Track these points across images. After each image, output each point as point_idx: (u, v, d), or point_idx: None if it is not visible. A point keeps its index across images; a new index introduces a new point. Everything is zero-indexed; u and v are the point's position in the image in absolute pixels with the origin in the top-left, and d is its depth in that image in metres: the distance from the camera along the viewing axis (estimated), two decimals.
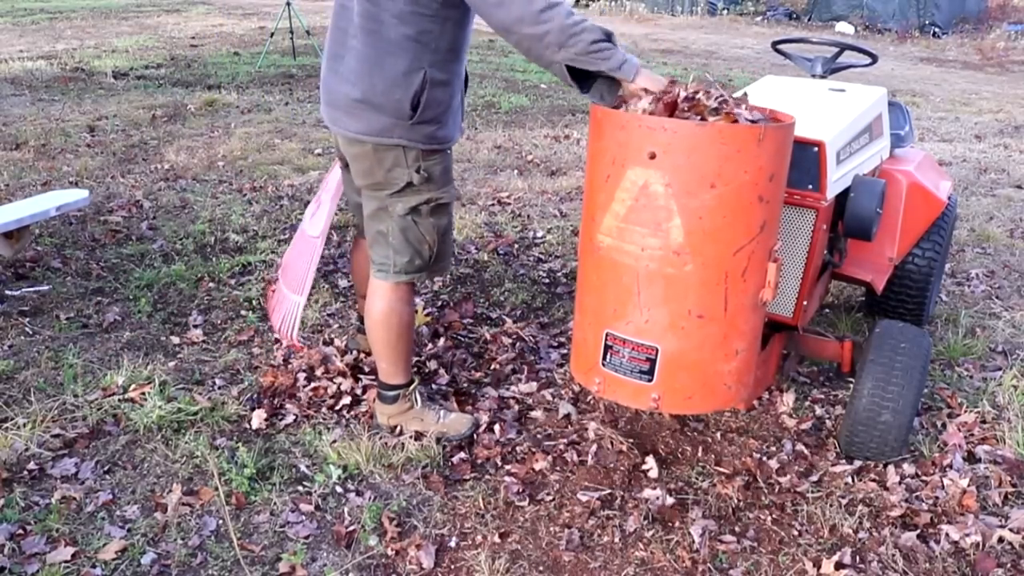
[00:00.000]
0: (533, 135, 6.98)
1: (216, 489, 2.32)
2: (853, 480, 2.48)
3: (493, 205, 5.03)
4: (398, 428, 2.58)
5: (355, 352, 2.97)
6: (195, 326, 3.30)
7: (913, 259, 3.12)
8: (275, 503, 2.31)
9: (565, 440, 2.64)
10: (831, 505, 2.37)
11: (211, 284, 3.71)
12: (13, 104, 7.18)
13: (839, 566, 2.13)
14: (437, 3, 2.15)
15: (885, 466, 2.52)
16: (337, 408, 2.73)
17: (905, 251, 3.00)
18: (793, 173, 2.36)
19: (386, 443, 2.54)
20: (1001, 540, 2.25)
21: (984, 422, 2.80)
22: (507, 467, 2.51)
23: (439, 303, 3.61)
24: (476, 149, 6.37)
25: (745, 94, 2.18)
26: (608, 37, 2.07)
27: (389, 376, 2.53)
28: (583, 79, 2.14)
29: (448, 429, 2.57)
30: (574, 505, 2.36)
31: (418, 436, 2.55)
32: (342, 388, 2.79)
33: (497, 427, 2.65)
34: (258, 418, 2.64)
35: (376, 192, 2.34)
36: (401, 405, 2.56)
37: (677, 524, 2.29)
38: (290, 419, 2.67)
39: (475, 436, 2.61)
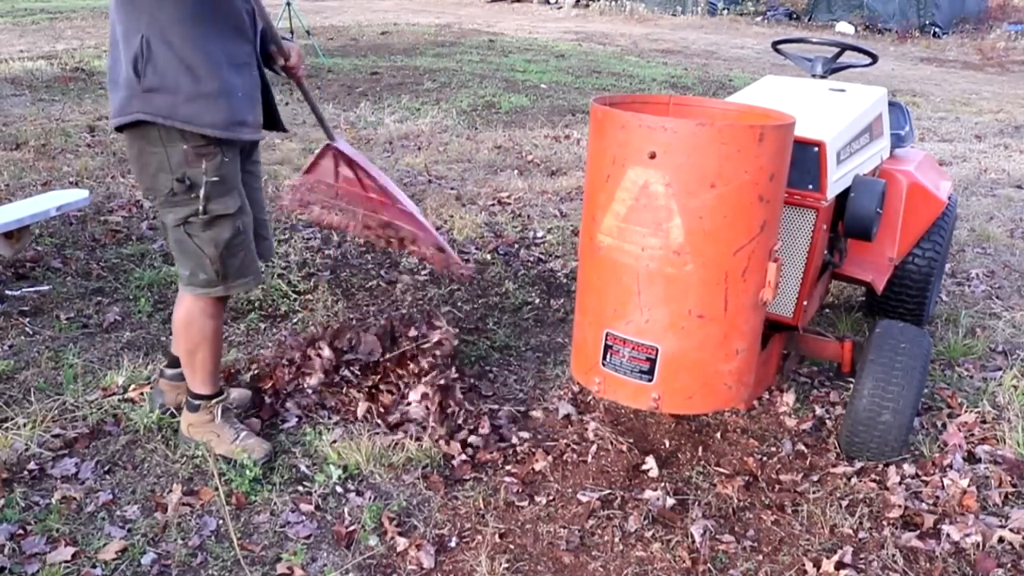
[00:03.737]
0: (533, 135, 6.97)
1: (216, 489, 2.32)
2: (853, 480, 2.48)
3: (493, 205, 5.03)
4: (196, 439, 2.48)
5: (159, 404, 2.64)
6: None
7: (913, 259, 3.12)
8: (275, 503, 2.31)
9: (565, 440, 2.64)
10: (831, 505, 2.37)
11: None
12: (13, 104, 7.18)
13: (839, 566, 2.13)
14: None
15: (885, 466, 2.52)
16: (337, 408, 2.73)
17: (905, 251, 3.00)
18: (793, 173, 2.36)
19: (386, 443, 2.54)
20: (1001, 540, 2.25)
21: (984, 422, 2.80)
22: (507, 467, 2.51)
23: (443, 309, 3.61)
24: (476, 149, 6.37)
25: None
26: None
27: (193, 384, 2.44)
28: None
29: (245, 451, 2.44)
30: (574, 505, 2.36)
31: (225, 457, 2.45)
32: (343, 388, 2.79)
33: (488, 428, 2.66)
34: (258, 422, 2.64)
35: (151, 200, 2.23)
36: (203, 415, 2.47)
37: (677, 524, 2.29)
38: (290, 420, 2.67)
39: (475, 437, 2.61)
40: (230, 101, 2.14)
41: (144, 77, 2.06)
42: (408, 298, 3.65)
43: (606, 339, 2.16)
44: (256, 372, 2.91)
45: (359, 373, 2.84)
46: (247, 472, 2.37)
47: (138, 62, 2.05)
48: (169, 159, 2.13)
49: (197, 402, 2.47)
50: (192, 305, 2.34)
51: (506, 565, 2.12)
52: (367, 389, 2.81)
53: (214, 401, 2.47)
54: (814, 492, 2.44)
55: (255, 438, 2.51)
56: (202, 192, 2.15)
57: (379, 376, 2.85)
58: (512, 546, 2.20)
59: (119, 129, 2.16)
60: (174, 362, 2.57)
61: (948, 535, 2.25)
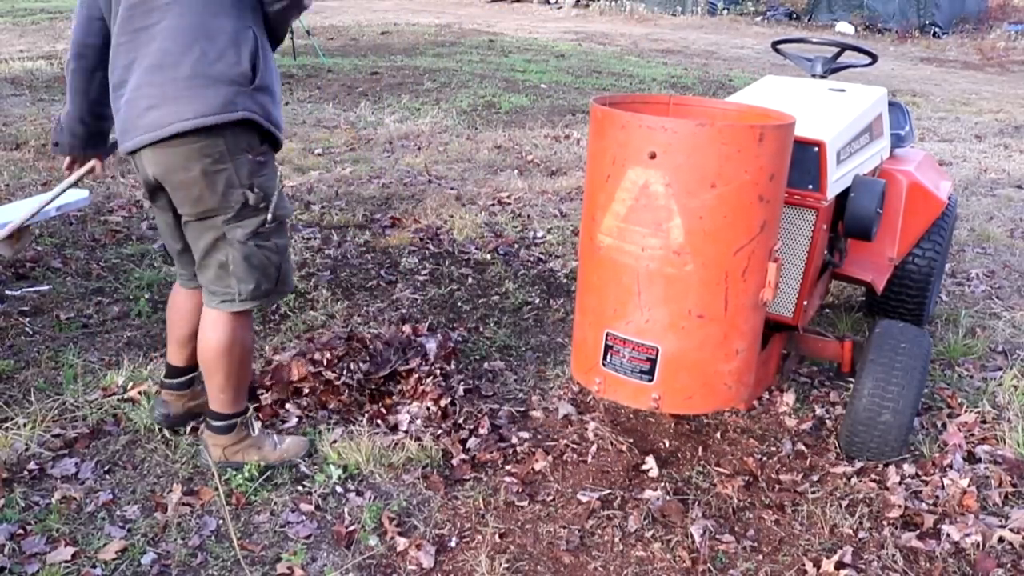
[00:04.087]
0: (533, 135, 6.97)
1: (216, 489, 2.32)
2: (853, 480, 2.48)
3: (493, 205, 5.03)
4: (236, 461, 2.40)
5: (161, 415, 2.55)
6: None
7: (913, 259, 3.12)
8: (275, 503, 2.31)
9: (565, 440, 2.64)
10: (831, 505, 2.37)
11: None
12: (13, 104, 7.18)
13: (839, 566, 2.13)
14: None
15: (885, 466, 2.52)
16: (337, 408, 2.73)
17: (905, 251, 3.00)
18: (793, 173, 2.36)
19: (386, 443, 2.54)
20: (1001, 540, 2.25)
21: (984, 422, 2.80)
22: (507, 467, 2.51)
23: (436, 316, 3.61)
24: (476, 149, 6.37)
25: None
26: None
27: (227, 406, 2.34)
28: None
29: (287, 455, 2.44)
30: (574, 505, 2.36)
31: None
32: (343, 388, 2.79)
33: (488, 428, 2.66)
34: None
35: (210, 220, 2.11)
36: (237, 434, 2.38)
37: (677, 524, 2.29)
38: (290, 420, 2.67)
39: (474, 437, 2.61)
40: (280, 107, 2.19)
41: (258, 75, 2.02)
42: (407, 298, 3.65)
43: (606, 339, 2.16)
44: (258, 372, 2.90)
45: (361, 379, 2.84)
46: (247, 472, 2.37)
47: (256, 59, 2.01)
48: (238, 172, 2.06)
49: (227, 423, 2.36)
50: (235, 324, 2.22)
51: (506, 565, 2.12)
52: (368, 392, 2.81)
53: (247, 416, 2.42)
54: (814, 492, 2.44)
55: (289, 438, 2.51)
56: (274, 199, 2.14)
57: (381, 379, 2.85)
58: (512, 546, 2.20)
59: (187, 134, 1.98)
60: (173, 372, 2.50)
61: (948, 535, 2.25)
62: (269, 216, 2.14)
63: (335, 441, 2.55)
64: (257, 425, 2.46)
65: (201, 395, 2.51)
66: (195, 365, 2.46)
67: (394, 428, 2.63)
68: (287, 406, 2.72)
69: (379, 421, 2.67)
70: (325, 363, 2.83)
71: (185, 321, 2.43)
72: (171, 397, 2.55)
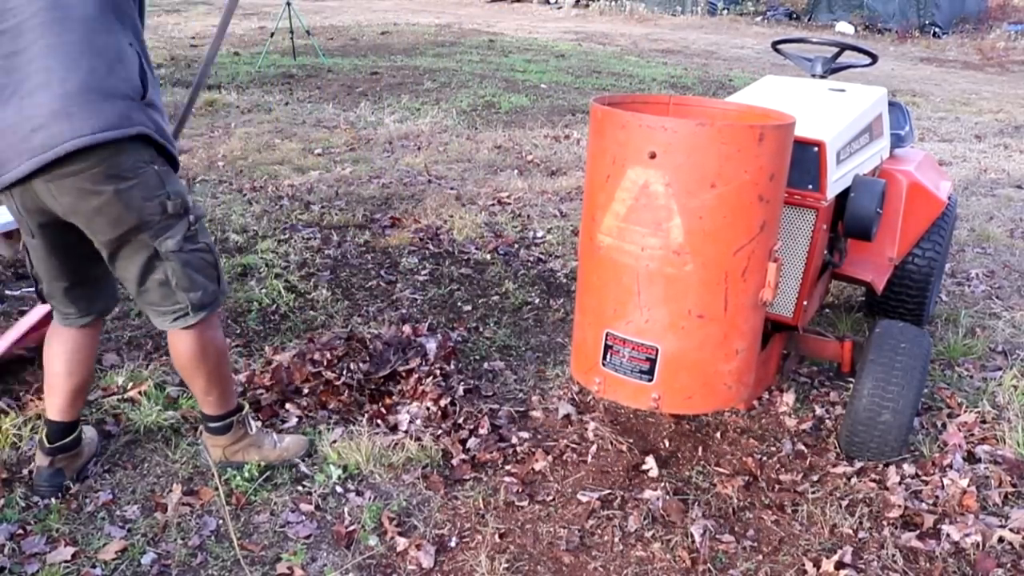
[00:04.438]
0: (533, 135, 6.97)
1: (216, 489, 2.32)
2: (853, 480, 2.48)
3: (493, 205, 5.03)
4: (237, 461, 2.39)
5: (56, 486, 2.29)
6: None
7: (913, 259, 3.12)
8: (275, 503, 2.31)
9: (565, 440, 2.64)
10: (831, 505, 2.37)
11: None
12: None
13: (839, 566, 2.13)
14: None
15: (885, 466, 2.52)
16: (337, 408, 2.73)
17: (905, 251, 3.00)
18: (793, 173, 2.36)
19: (386, 443, 2.54)
20: (1001, 540, 2.25)
21: (984, 422, 2.80)
22: (507, 467, 2.51)
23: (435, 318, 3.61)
24: (476, 149, 6.37)
25: None
26: None
27: (217, 407, 2.32)
28: None
29: (288, 453, 2.44)
30: (574, 505, 2.36)
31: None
32: (343, 388, 2.79)
33: (488, 428, 2.65)
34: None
35: (137, 240, 1.99)
36: (235, 433, 2.36)
37: (677, 524, 2.29)
38: (290, 420, 2.67)
39: (474, 437, 2.61)
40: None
41: (147, 91, 1.95)
42: (407, 298, 3.65)
43: (606, 339, 2.16)
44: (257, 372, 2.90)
45: (361, 379, 2.84)
46: (247, 472, 2.37)
47: (144, 74, 1.95)
48: (148, 184, 1.96)
49: (223, 423, 2.36)
50: (200, 330, 2.16)
51: (506, 565, 2.12)
52: (368, 392, 2.81)
53: (243, 413, 2.42)
54: (814, 492, 2.44)
55: (289, 436, 2.50)
56: (189, 200, 2.06)
57: (381, 379, 2.85)
58: (512, 546, 2.20)
59: (87, 153, 1.85)
60: (62, 430, 2.29)
61: (948, 535, 2.25)
62: (191, 218, 2.06)
63: (335, 441, 2.55)
64: (255, 424, 2.46)
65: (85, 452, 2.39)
66: (76, 421, 2.30)
67: (394, 428, 2.63)
68: (287, 406, 2.72)
69: (379, 421, 2.67)
70: (325, 363, 2.84)
71: (77, 366, 2.23)
72: (65, 461, 2.30)
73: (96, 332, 2.29)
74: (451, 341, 3.16)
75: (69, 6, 1.86)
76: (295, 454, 2.46)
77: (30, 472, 2.36)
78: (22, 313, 3.31)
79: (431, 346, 2.97)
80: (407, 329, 3.16)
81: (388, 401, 2.78)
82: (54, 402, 2.26)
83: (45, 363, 2.25)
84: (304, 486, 2.38)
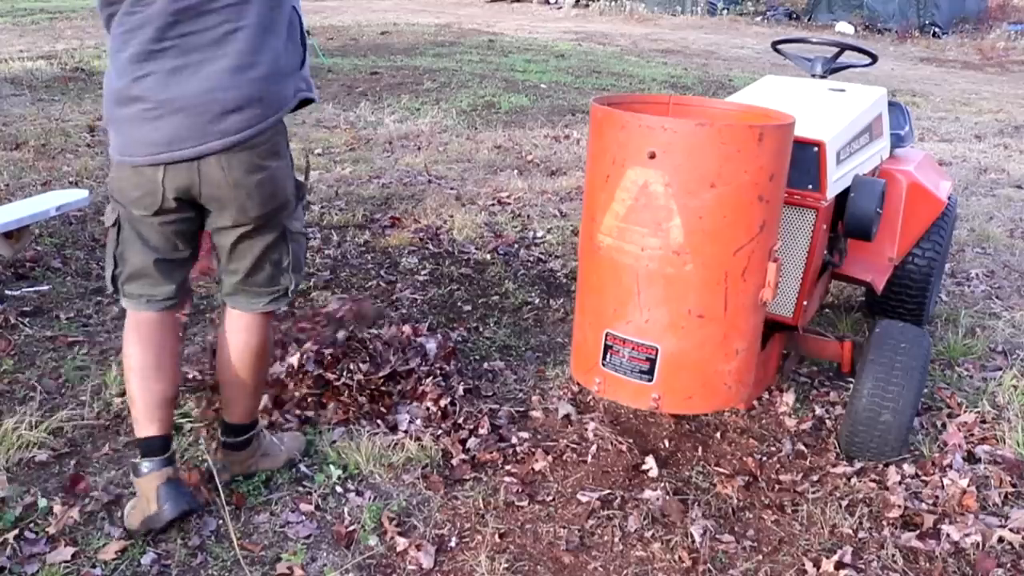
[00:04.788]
0: (533, 135, 6.97)
1: (216, 489, 2.31)
2: (853, 480, 2.48)
3: (493, 205, 5.03)
4: (251, 471, 2.37)
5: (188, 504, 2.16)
6: (196, 326, 3.30)
7: (913, 259, 3.12)
8: (275, 503, 2.31)
9: (565, 440, 2.64)
10: (831, 505, 2.37)
11: (211, 284, 3.71)
12: (13, 104, 7.18)
13: (839, 566, 2.13)
14: None
15: (885, 466, 2.52)
16: (337, 408, 2.73)
17: (905, 251, 3.00)
18: (793, 173, 2.36)
19: (386, 443, 2.54)
20: (1001, 540, 2.25)
21: (984, 422, 2.80)
22: (507, 467, 2.51)
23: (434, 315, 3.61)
24: (476, 149, 6.37)
25: None
26: None
27: (250, 415, 2.29)
28: None
29: (292, 453, 2.44)
30: (574, 505, 2.36)
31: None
32: (343, 388, 2.79)
33: (488, 428, 2.65)
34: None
35: (276, 219, 2.06)
36: (253, 447, 2.34)
37: (677, 524, 2.29)
38: (290, 420, 2.67)
39: (475, 436, 2.61)
40: None
41: (306, 52, 2.04)
42: (407, 298, 3.65)
43: (606, 339, 2.16)
44: None
45: (362, 379, 2.84)
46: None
47: (303, 38, 2.03)
48: (291, 163, 2.07)
49: (248, 435, 2.31)
50: (267, 324, 2.20)
51: (506, 565, 2.12)
52: (368, 392, 2.80)
53: (260, 426, 2.40)
54: (814, 492, 2.44)
55: (287, 436, 2.50)
56: (307, 180, 2.12)
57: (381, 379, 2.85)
58: (512, 546, 2.20)
59: (263, 132, 1.94)
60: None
61: (948, 535, 2.25)
62: (305, 201, 2.13)
63: (335, 441, 2.55)
64: (263, 434, 2.42)
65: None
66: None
67: (394, 428, 2.63)
68: (287, 407, 2.72)
69: (379, 421, 2.67)
70: (325, 363, 2.83)
71: (174, 352, 2.21)
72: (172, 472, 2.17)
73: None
74: (451, 341, 3.16)
75: None
76: (295, 452, 2.47)
77: (30, 472, 2.36)
78: (22, 313, 3.31)
79: (431, 346, 2.97)
80: (407, 329, 3.16)
81: (388, 401, 2.78)
82: (154, 413, 2.13)
83: (135, 368, 2.12)
84: (304, 486, 2.38)
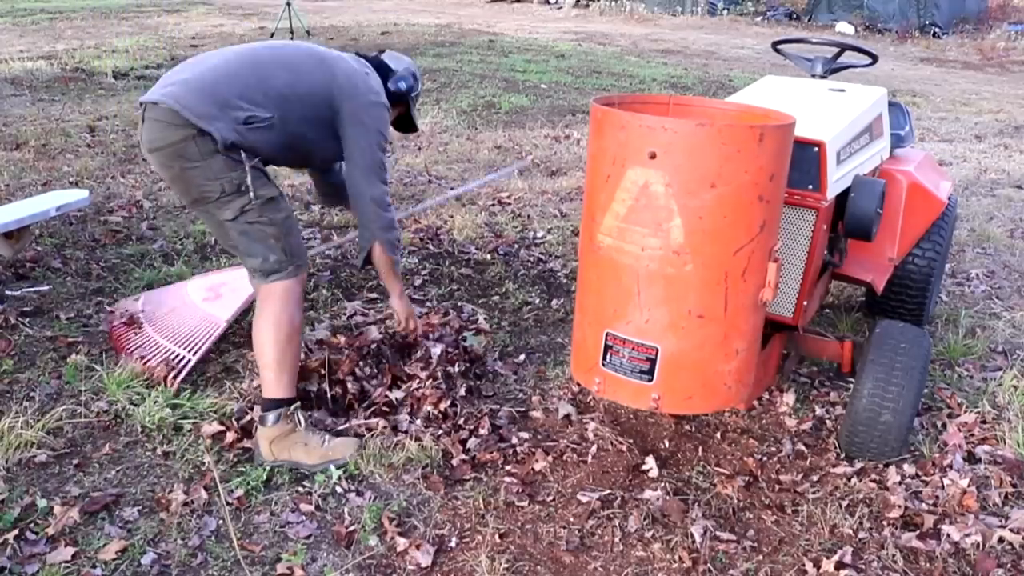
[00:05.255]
0: (533, 135, 6.97)
1: (216, 489, 2.32)
2: (853, 480, 2.48)
3: (493, 205, 5.03)
4: (284, 459, 2.42)
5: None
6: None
7: (913, 259, 3.12)
8: (275, 503, 2.31)
9: (565, 440, 2.64)
10: (831, 505, 2.37)
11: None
12: (13, 104, 7.18)
13: (839, 566, 2.13)
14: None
15: (885, 466, 2.52)
16: (338, 408, 2.73)
17: (905, 251, 3.00)
18: (793, 173, 2.36)
19: (386, 443, 2.53)
20: (1001, 540, 2.25)
21: (984, 422, 2.80)
22: (507, 467, 2.51)
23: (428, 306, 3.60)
24: (476, 149, 6.37)
25: None
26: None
27: (273, 388, 2.43)
28: (366, 261, 2.63)
29: (337, 454, 2.45)
30: (574, 505, 2.36)
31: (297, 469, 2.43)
32: (343, 389, 2.79)
33: (488, 429, 2.65)
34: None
35: (204, 206, 2.40)
36: (283, 426, 2.42)
37: (677, 524, 2.29)
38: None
39: (475, 436, 2.61)
40: None
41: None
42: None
43: (606, 339, 2.16)
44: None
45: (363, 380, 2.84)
46: (247, 470, 2.37)
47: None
48: (212, 168, 2.30)
49: (276, 411, 2.42)
50: (281, 298, 2.40)
51: (506, 565, 2.12)
52: (369, 392, 2.80)
53: (293, 407, 2.46)
54: (814, 492, 2.44)
55: (338, 437, 2.51)
56: (248, 182, 2.33)
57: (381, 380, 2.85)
58: (512, 546, 2.20)
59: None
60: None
61: (948, 535, 2.25)
62: (252, 195, 2.33)
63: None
64: (303, 419, 2.47)
65: None
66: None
67: (394, 428, 2.63)
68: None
69: (379, 421, 2.66)
70: (325, 364, 2.83)
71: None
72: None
73: None
74: (460, 344, 3.15)
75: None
76: (343, 455, 2.46)
77: (30, 472, 2.36)
78: (22, 313, 3.31)
79: (436, 351, 2.96)
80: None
81: (389, 401, 2.78)
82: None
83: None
84: (304, 486, 2.38)
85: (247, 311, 3.06)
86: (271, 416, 2.42)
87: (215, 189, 2.30)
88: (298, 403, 2.49)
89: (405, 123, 2.83)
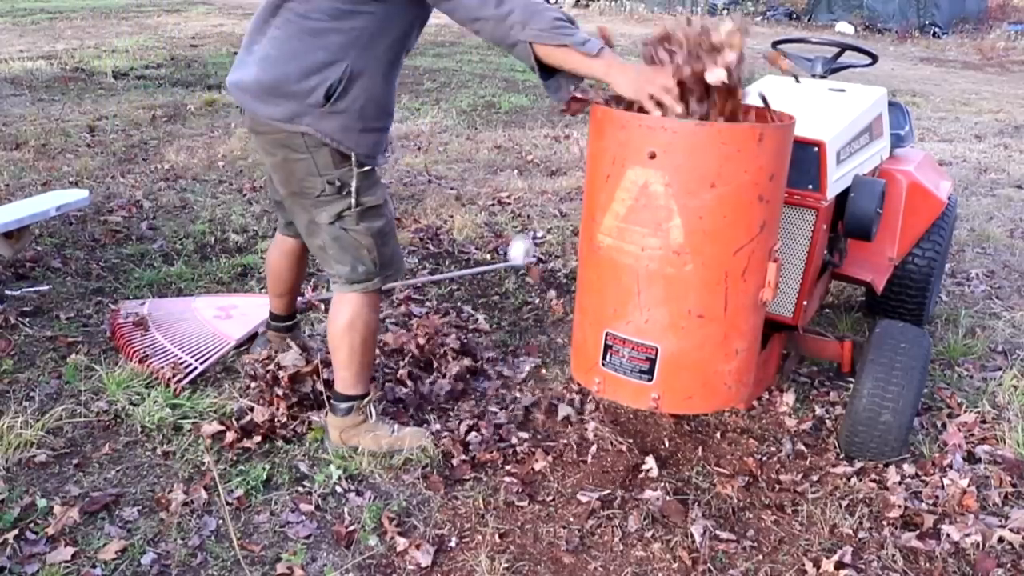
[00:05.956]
0: (533, 135, 6.97)
1: (216, 489, 2.32)
2: (853, 480, 2.48)
3: (493, 205, 5.03)
4: (352, 445, 2.48)
5: (269, 351, 2.81)
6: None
7: (913, 259, 3.12)
8: (275, 503, 2.31)
9: (565, 440, 2.64)
10: (831, 505, 2.37)
11: (211, 284, 3.71)
12: (13, 104, 7.18)
13: (839, 566, 2.13)
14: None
15: (885, 466, 2.52)
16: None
17: (905, 251, 3.00)
18: (793, 173, 2.35)
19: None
20: (1001, 540, 2.25)
21: (984, 422, 2.80)
22: (507, 467, 2.51)
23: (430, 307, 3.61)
24: (476, 149, 6.37)
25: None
26: (571, 20, 2.05)
27: (348, 386, 2.45)
28: (544, 69, 2.09)
29: (404, 443, 2.49)
30: (574, 505, 2.36)
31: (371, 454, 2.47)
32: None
33: (487, 428, 2.65)
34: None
35: (300, 201, 2.30)
36: (355, 417, 2.47)
37: (677, 524, 2.29)
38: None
39: (475, 436, 2.61)
40: (385, 135, 2.33)
41: (332, 104, 2.15)
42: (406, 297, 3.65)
43: (606, 339, 2.16)
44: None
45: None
46: (247, 471, 2.37)
47: (333, 89, 2.14)
48: (316, 164, 2.22)
49: (347, 404, 2.46)
50: (357, 303, 2.37)
51: (506, 565, 2.12)
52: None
53: (366, 400, 2.49)
54: (814, 492, 2.44)
55: (408, 428, 2.55)
56: (351, 191, 2.25)
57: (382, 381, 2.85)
58: (512, 546, 2.20)
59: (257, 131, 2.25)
60: (279, 317, 2.86)
61: (948, 535, 2.25)
62: (352, 202, 2.26)
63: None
64: (375, 411, 2.52)
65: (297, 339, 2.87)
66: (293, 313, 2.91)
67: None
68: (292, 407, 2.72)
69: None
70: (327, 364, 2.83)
71: (277, 263, 2.77)
72: (274, 337, 2.92)
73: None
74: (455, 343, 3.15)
75: (306, 16, 2.19)
76: (412, 444, 2.49)
77: (30, 471, 2.36)
78: (22, 313, 3.31)
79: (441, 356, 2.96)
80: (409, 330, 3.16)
81: (389, 401, 2.78)
82: (271, 288, 2.83)
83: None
84: (304, 486, 2.38)
85: (253, 336, 3.08)
86: (342, 407, 2.46)
87: (317, 186, 2.23)
88: (371, 396, 2.52)
89: None
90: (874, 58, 3.22)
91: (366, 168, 2.27)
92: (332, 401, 2.50)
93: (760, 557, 2.20)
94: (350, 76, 2.15)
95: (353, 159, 2.23)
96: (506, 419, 2.74)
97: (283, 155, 2.22)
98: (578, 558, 2.17)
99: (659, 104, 1.97)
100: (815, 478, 2.50)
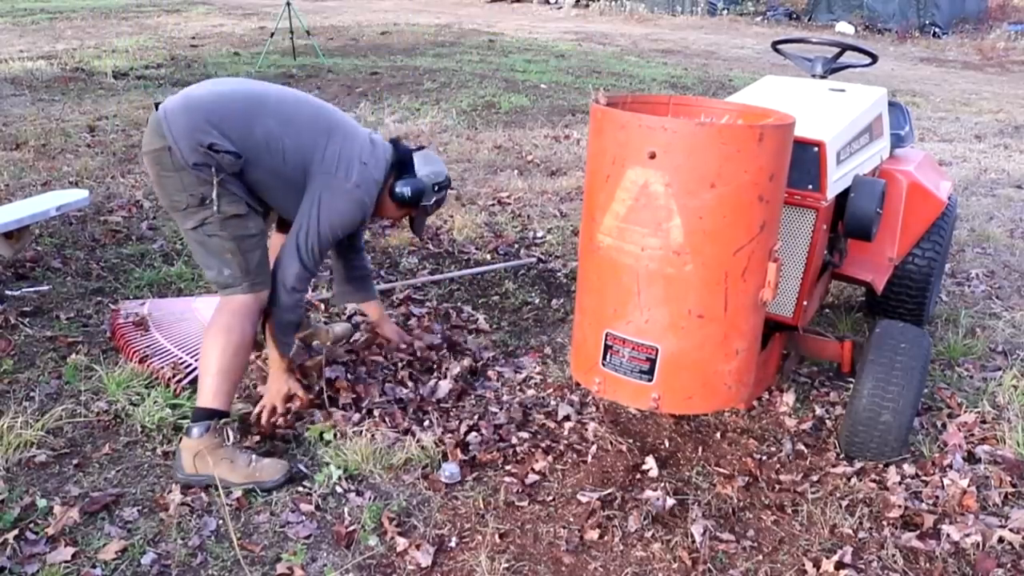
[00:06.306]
0: (533, 135, 6.97)
1: (216, 489, 2.31)
2: (853, 480, 2.48)
3: (493, 205, 5.03)
4: (205, 474, 2.33)
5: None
6: None
7: (913, 259, 3.12)
8: (275, 503, 2.31)
9: (565, 440, 2.64)
10: (831, 505, 2.37)
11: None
12: (13, 104, 7.18)
13: (839, 566, 2.13)
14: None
15: (885, 466, 2.52)
16: (338, 409, 2.73)
17: (905, 251, 3.00)
18: (793, 173, 2.35)
19: (386, 443, 2.53)
20: (1001, 540, 2.25)
21: (984, 422, 2.80)
22: (507, 467, 2.51)
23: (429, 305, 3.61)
24: (476, 149, 6.37)
25: None
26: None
27: (208, 397, 2.36)
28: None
29: (262, 476, 2.35)
30: (574, 505, 2.36)
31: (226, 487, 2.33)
32: (344, 388, 2.79)
33: (487, 429, 2.65)
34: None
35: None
36: (210, 439, 2.34)
37: (677, 524, 2.29)
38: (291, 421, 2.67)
39: (475, 436, 2.61)
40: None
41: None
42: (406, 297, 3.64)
43: (606, 339, 2.16)
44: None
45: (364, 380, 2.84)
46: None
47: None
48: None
49: (204, 423, 2.35)
50: (230, 310, 2.40)
51: (506, 565, 2.12)
52: (369, 393, 2.80)
53: (223, 421, 2.43)
54: (814, 492, 2.44)
55: (268, 459, 2.42)
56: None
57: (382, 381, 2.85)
58: (512, 546, 2.20)
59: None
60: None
61: (948, 535, 2.25)
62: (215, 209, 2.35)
63: (330, 441, 2.54)
64: (231, 436, 2.43)
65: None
66: None
67: (394, 428, 2.63)
68: (289, 406, 2.72)
69: (379, 421, 2.66)
70: (326, 364, 2.83)
71: None
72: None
73: None
74: (455, 343, 3.16)
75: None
76: (269, 477, 2.35)
77: (31, 471, 2.36)
78: (22, 313, 3.31)
79: (442, 353, 2.97)
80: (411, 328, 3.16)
81: (388, 401, 2.78)
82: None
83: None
84: (304, 486, 2.38)
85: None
86: (197, 428, 2.35)
87: (183, 200, 2.35)
88: (229, 418, 2.46)
89: (414, 224, 2.77)
90: (874, 58, 3.22)
91: (222, 180, 2.35)
92: (189, 423, 2.39)
93: (760, 557, 2.20)
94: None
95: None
96: (506, 419, 2.74)
97: (156, 172, 2.38)
98: (578, 558, 2.17)
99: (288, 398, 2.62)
100: (815, 478, 2.50)
